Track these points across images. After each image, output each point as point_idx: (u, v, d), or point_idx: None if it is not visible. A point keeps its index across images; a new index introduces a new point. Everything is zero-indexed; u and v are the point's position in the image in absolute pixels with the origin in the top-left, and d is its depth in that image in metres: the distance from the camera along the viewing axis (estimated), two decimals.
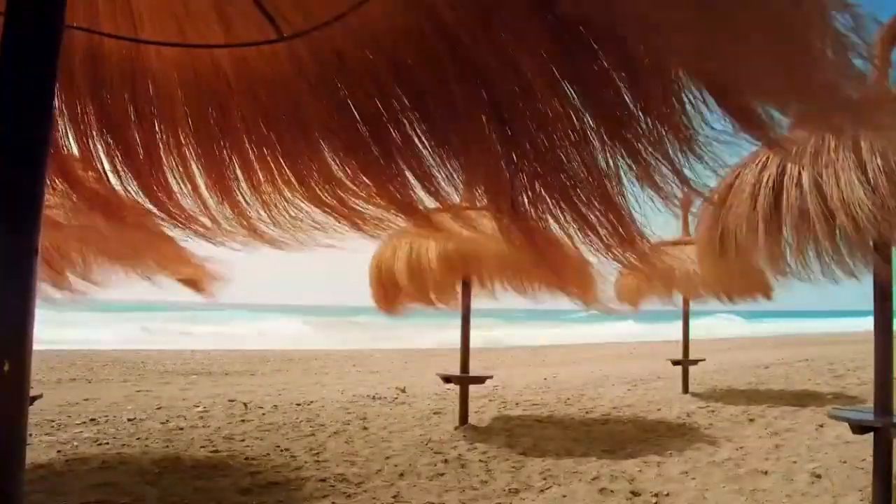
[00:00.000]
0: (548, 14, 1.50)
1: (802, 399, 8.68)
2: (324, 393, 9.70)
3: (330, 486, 4.64)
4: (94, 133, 2.04)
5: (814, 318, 44.32)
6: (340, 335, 27.45)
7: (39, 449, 5.53)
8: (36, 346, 1.24)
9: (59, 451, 5.50)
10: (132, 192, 2.18)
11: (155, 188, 2.18)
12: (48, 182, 1.96)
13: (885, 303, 3.72)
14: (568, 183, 1.78)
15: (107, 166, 2.09)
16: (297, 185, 2.14)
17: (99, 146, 2.07)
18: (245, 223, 2.30)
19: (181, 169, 2.14)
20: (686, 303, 9.54)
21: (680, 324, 10.04)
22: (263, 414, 7.59)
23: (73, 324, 20.75)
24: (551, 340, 26.21)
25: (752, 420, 7.18)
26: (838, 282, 3.43)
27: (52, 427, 6.52)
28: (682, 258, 8.35)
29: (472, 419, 7.04)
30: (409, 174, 1.96)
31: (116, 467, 5.02)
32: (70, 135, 2.04)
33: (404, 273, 6.20)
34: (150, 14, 1.87)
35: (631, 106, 1.56)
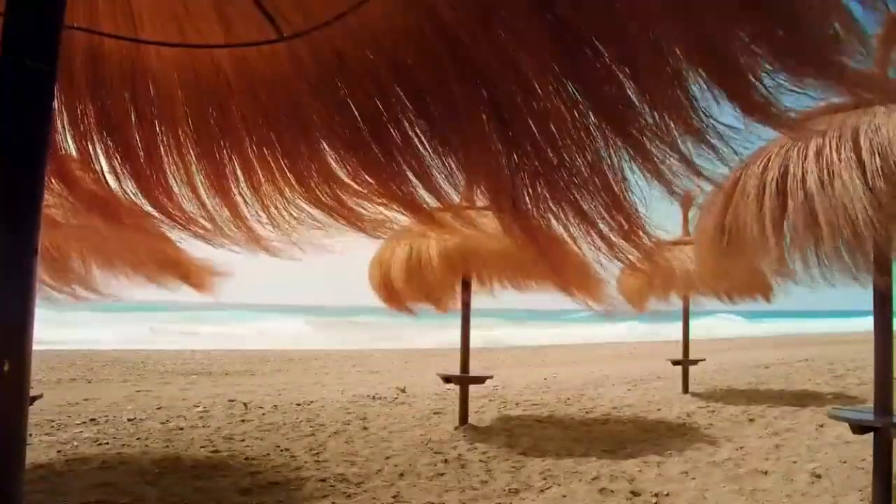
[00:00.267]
0: (547, 13, 1.50)
1: (802, 399, 8.68)
2: (324, 393, 9.70)
3: (330, 486, 4.64)
4: (94, 133, 2.04)
5: (814, 318, 44.31)
6: (340, 335, 27.45)
7: (39, 449, 5.53)
8: (36, 346, 1.24)
9: (59, 451, 5.50)
10: (132, 192, 2.18)
11: (155, 189, 2.18)
12: (48, 182, 1.97)
13: (885, 303, 3.72)
14: (570, 180, 1.78)
15: (107, 167, 2.09)
16: (297, 185, 2.14)
17: (99, 146, 2.07)
18: (244, 226, 2.30)
19: (181, 169, 2.14)
20: (686, 302, 9.54)
21: (680, 324, 10.04)
22: (263, 414, 7.59)
23: (72, 324, 20.76)
24: (551, 340, 26.22)
25: (752, 420, 7.18)
26: (844, 285, 3.44)
27: (52, 427, 6.52)
28: (682, 258, 8.36)
29: (472, 419, 7.04)
30: (409, 174, 1.96)
31: (116, 467, 5.02)
32: (70, 135, 2.04)
33: (404, 273, 6.21)
34: (150, 14, 1.87)
35: (634, 100, 1.56)
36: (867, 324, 4.28)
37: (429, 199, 2.07)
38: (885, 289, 3.70)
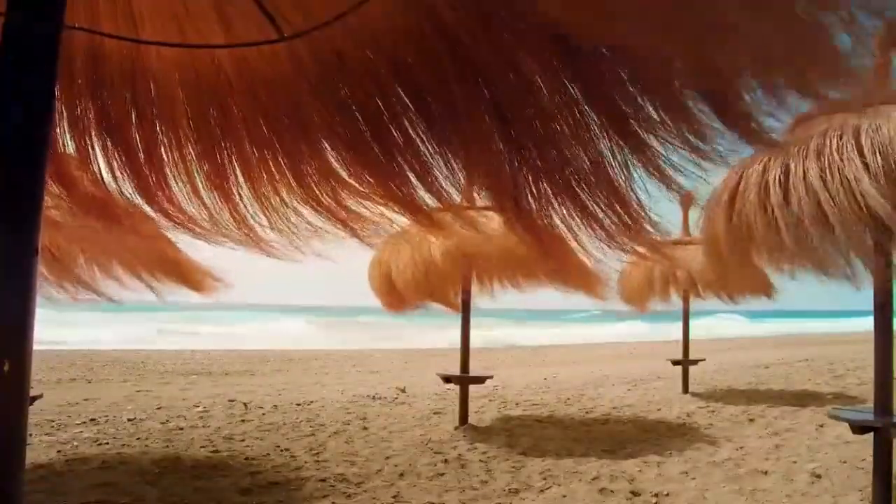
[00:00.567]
0: (547, 14, 1.50)
1: (802, 399, 8.68)
2: (324, 393, 9.70)
3: (330, 486, 4.64)
4: (95, 133, 2.04)
5: (814, 318, 44.32)
6: (341, 335, 27.45)
7: (39, 449, 5.53)
8: (36, 346, 1.24)
9: (59, 451, 5.50)
10: (132, 192, 2.18)
11: (155, 189, 2.17)
12: (48, 182, 1.96)
13: (885, 303, 3.72)
14: (572, 178, 1.78)
15: (107, 167, 2.09)
16: (297, 186, 2.14)
17: (99, 147, 2.06)
18: (244, 227, 2.30)
19: (182, 169, 2.14)
20: (686, 303, 9.54)
21: (680, 324, 10.04)
22: (263, 414, 7.59)
23: (72, 324, 20.75)
24: (551, 340, 26.21)
25: (752, 420, 7.18)
26: (845, 283, 3.44)
27: (52, 427, 6.52)
28: (682, 258, 8.36)
29: (472, 419, 7.04)
30: (410, 174, 1.96)
31: (116, 467, 5.02)
32: (70, 135, 2.04)
33: (405, 273, 6.20)
34: (150, 14, 1.87)
35: (635, 98, 1.56)
36: (867, 324, 4.28)
37: (429, 200, 2.07)
38: (885, 289, 3.70)
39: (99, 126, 2.03)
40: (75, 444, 5.85)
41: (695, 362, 9.86)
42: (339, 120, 1.94)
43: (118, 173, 2.11)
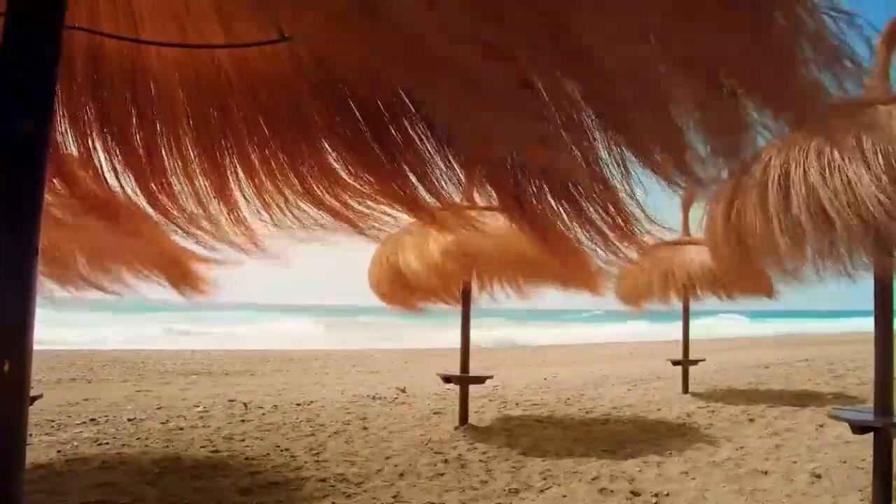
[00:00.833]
0: (547, 15, 1.50)
1: (802, 399, 8.68)
2: (324, 393, 9.70)
3: (330, 486, 4.64)
4: (95, 133, 2.04)
5: (814, 318, 44.33)
6: (341, 335, 27.44)
7: (39, 449, 5.53)
8: (36, 346, 1.24)
9: (59, 451, 5.50)
10: (132, 192, 2.18)
11: (155, 188, 2.18)
12: (48, 182, 1.96)
13: (886, 303, 3.72)
14: (569, 179, 1.78)
15: (107, 167, 2.09)
16: (297, 185, 2.14)
17: (99, 146, 2.07)
18: (244, 228, 2.30)
19: (182, 169, 2.14)
20: (686, 302, 9.54)
21: (680, 324, 10.04)
22: (263, 414, 7.59)
23: (72, 323, 20.75)
24: (551, 340, 26.21)
25: (752, 420, 7.18)
26: (845, 282, 3.44)
27: (52, 427, 6.52)
28: (682, 258, 8.36)
29: (472, 419, 7.04)
30: (410, 173, 1.96)
31: (116, 467, 5.01)
32: (70, 135, 2.04)
33: (405, 272, 6.20)
34: (150, 14, 1.87)
35: (631, 98, 1.56)
36: (867, 324, 4.28)
37: (430, 199, 2.07)
38: (885, 288, 3.70)
39: (99, 126, 2.03)
40: (75, 444, 5.85)
41: (695, 362, 9.86)
42: (339, 120, 1.94)
43: (118, 173, 2.11)
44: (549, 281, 6.56)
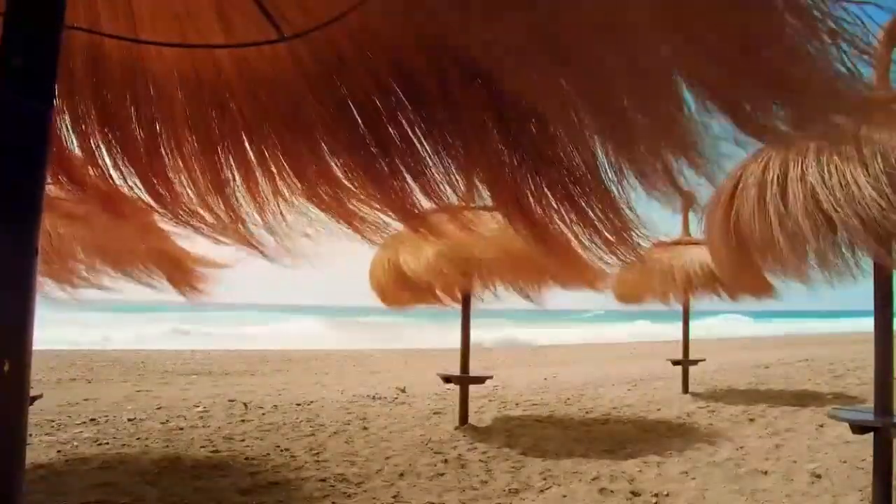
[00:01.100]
0: (547, 16, 1.50)
1: (802, 399, 8.68)
2: (324, 393, 9.70)
3: (330, 486, 4.64)
4: (95, 134, 2.04)
5: (814, 318, 44.32)
6: (341, 335, 27.44)
7: (39, 449, 5.53)
8: (36, 346, 1.24)
9: (59, 451, 5.51)
10: (133, 191, 2.18)
11: (156, 188, 2.18)
12: (49, 181, 1.96)
13: (886, 303, 3.72)
14: (568, 180, 1.78)
15: (107, 167, 2.09)
16: (297, 186, 2.14)
17: (99, 147, 2.07)
18: (244, 228, 2.30)
19: (182, 170, 2.14)
20: (686, 302, 9.54)
21: (680, 324, 10.04)
22: (263, 414, 7.59)
23: (73, 323, 20.74)
24: (551, 340, 26.19)
25: (752, 420, 7.18)
26: (844, 283, 3.44)
27: (52, 427, 6.52)
28: (682, 258, 8.35)
29: (472, 419, 7.04)
30: (408, 174, 1.96)
31: (116, 467, 5.02)
32: (70, 135, 2.04)
33: (405, 272, 6.20)
34: (150, 14, 1.87)
35: (630, 103, 1.56)
36: (867, 324, 4.28)
37: (428, 201, 2.07)
38: (885, 288, 3.70)
39: (99, 126, 2.03)
40: (75, 444, 5.85)
41: (695, 362, 9.86)
42: (339, 119, 1.94)
43: (119, 173, 2.11)
44: (548, 281, 6.55)
